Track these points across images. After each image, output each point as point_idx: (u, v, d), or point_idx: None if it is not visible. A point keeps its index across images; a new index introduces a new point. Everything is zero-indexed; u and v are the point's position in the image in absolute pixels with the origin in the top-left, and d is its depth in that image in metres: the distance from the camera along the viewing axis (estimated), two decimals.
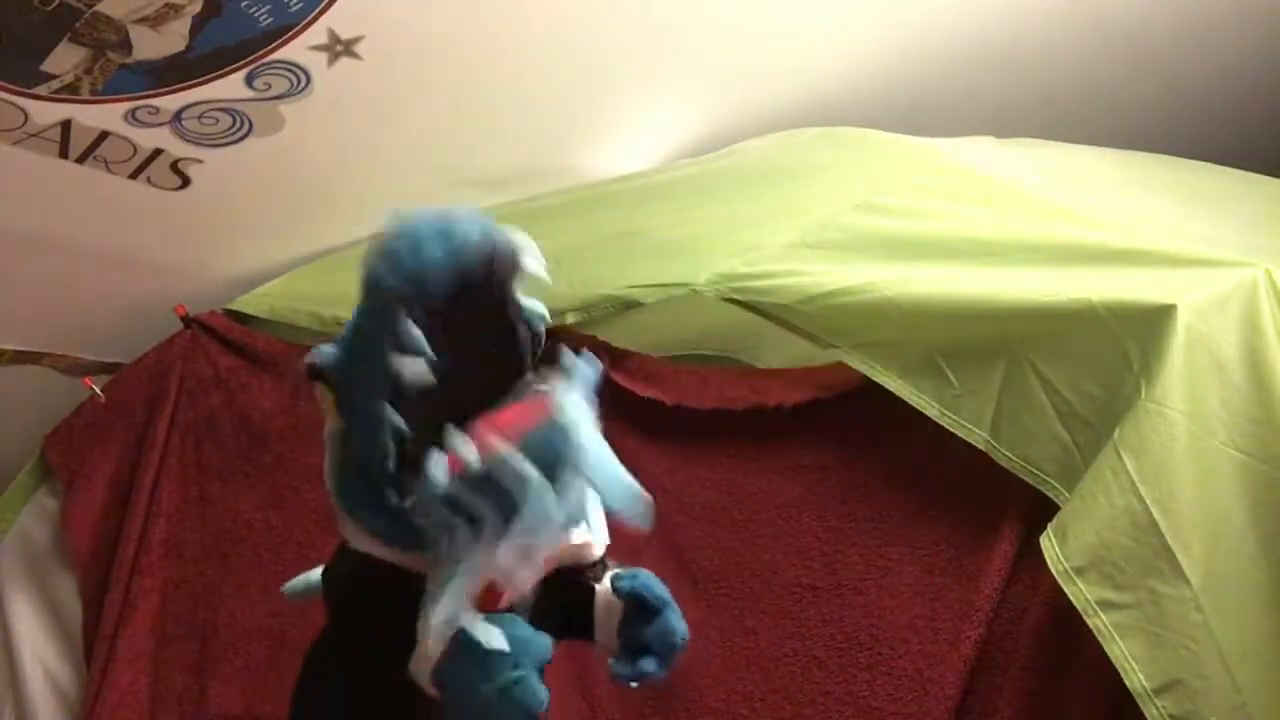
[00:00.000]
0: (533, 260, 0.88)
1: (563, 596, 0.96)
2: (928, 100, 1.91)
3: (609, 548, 0.97)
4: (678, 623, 0.97)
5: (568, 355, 0.89)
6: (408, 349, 0.81)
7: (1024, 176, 1.40)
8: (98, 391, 1.81)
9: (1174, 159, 1.70)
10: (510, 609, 0.90)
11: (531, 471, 0.78)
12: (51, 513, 1.82)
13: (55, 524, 1.80)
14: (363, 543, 0.92)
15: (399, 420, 0.83)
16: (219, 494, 1.70)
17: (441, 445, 0.82)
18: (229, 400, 1.72)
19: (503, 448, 0.79)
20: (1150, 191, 1.51)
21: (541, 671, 0.84)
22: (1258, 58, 2.10)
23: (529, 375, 0.93)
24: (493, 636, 0.82)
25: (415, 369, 0.82)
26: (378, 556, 0.92)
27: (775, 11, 1.63)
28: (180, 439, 1.73)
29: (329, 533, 1.60)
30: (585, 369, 0.88)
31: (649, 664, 0.96)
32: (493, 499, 0.79)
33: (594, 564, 0.96)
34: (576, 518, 0.85)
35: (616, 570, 0.99)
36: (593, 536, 0.93)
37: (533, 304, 0.90)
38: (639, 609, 0.96)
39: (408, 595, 0.87)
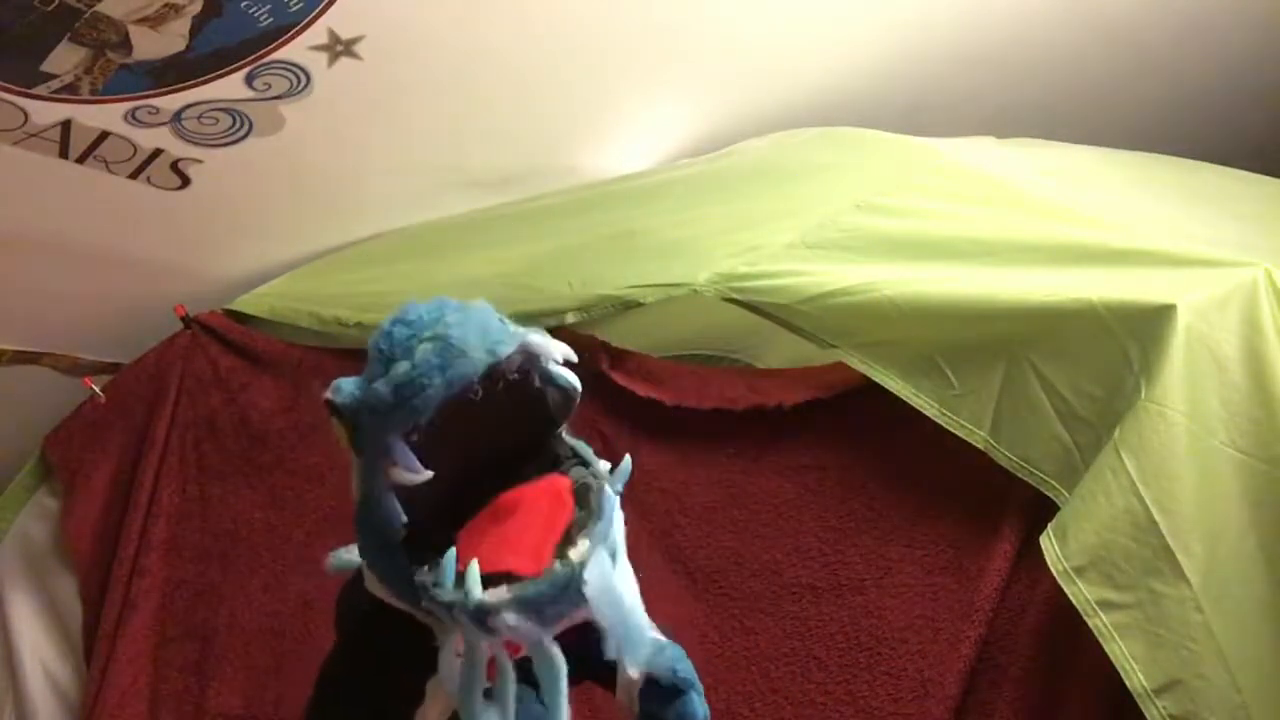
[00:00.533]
0: (549, 353, 0.86)
1: (591, 644, 0.95)
2: (928, 100, 1.91)
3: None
4: (700, 706, 0.96)
5: (600, 473, 0.89)
6: (400, 465, 0.82)
7: (1024, 176, 1.40)
8: (98, 391, 1.81)
9: (1174, 159, 1.70)
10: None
11: (542, 633, 0.80)
12: (51, 513, 1.82)
13: (55, 524, 1.80)
14: (376, 589, 0.92)
15: (398, 515, 0.83)
16: (219, 494, 1.70)
17: (467, 515, 0.84)
18: (229, 400, 1.72)
19: (506, 605, 0.79)
20: (1150, 191, 1.51)
21: None
22: (1258, 58, 2.10)
23: (560, 434, 0.92)
24: None
25: (410, 479, 0.82)
26: (388, 601, 0.91)
27: (775, 11, 1.63)
28: (180, 439, 1.73)
29: (329, 533, 1.61)
30: (613, 500, 0.86)
31: None
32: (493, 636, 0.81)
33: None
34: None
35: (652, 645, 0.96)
36: (628, 659, 0.90)
37: (563, 373, 0.88)
38: (664, 687, 0.95)
39: (416, 644, 0.87)
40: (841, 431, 1.29)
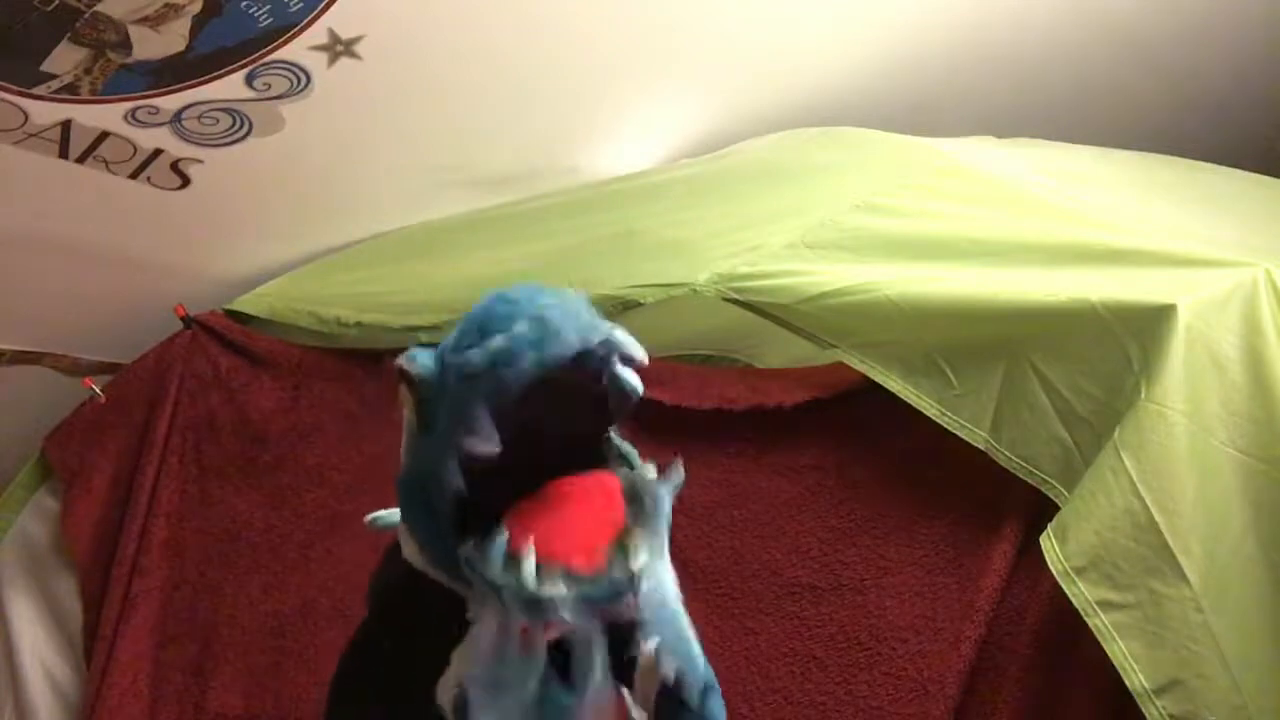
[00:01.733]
0: (632, 350, 0.88)
1: (613, 640, 0.95)
2: (928, 100, 1.91)
3: None
4: (719, 712, 0.96)
5: (650, 477, 0.90)
6: (477, 434, 0.82)
7: (1024, 176, 1.40)
8: (98, 391, 1.81)
9: (1174, 159, 1.70)
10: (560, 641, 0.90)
11: (593, 631, 0.82)
12: (51, 513, 1.82)
13: (55, 524, 1.80)
14: (415, 557, 0.93)
15: (460, 483, 0.84)
16: (219, 494, 1.70)
17: (511, 500, 0.85)
18: (229, 400, 1.72)
19: (562, 591, 0.80)
20: (1150, 191, 1.51)
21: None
22: (1258, 58, 2.10)
23: (610, 434, 0.93)
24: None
25: (483, 449, 0.82)
26: (425, 572, 0.92)
27: (775, 11, 1.63)
28: (180, 439, 1.73)
29: (329, 533, 1.61)
30: (666, 501, 0.88)
31: None
32: (540, 619, 0.82)
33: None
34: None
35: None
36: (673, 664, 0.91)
37: (629, 377, 0.89)
38: (680, 700, 0.95)
39: (450, 615, 0.88)
40: (841, 431, 1.29)
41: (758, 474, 1.34)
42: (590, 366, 0.86)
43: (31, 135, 1.41)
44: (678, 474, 0.90)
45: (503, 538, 0.82)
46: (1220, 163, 1.72)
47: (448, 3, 1.41)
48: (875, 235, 1.29)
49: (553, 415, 0.87)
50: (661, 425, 1.40)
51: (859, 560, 1.26)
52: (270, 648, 1.59)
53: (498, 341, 0.81)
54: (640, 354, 0.88)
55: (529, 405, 0.82)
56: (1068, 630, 1.04)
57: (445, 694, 0.88)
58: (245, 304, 1.77)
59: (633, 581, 0.82)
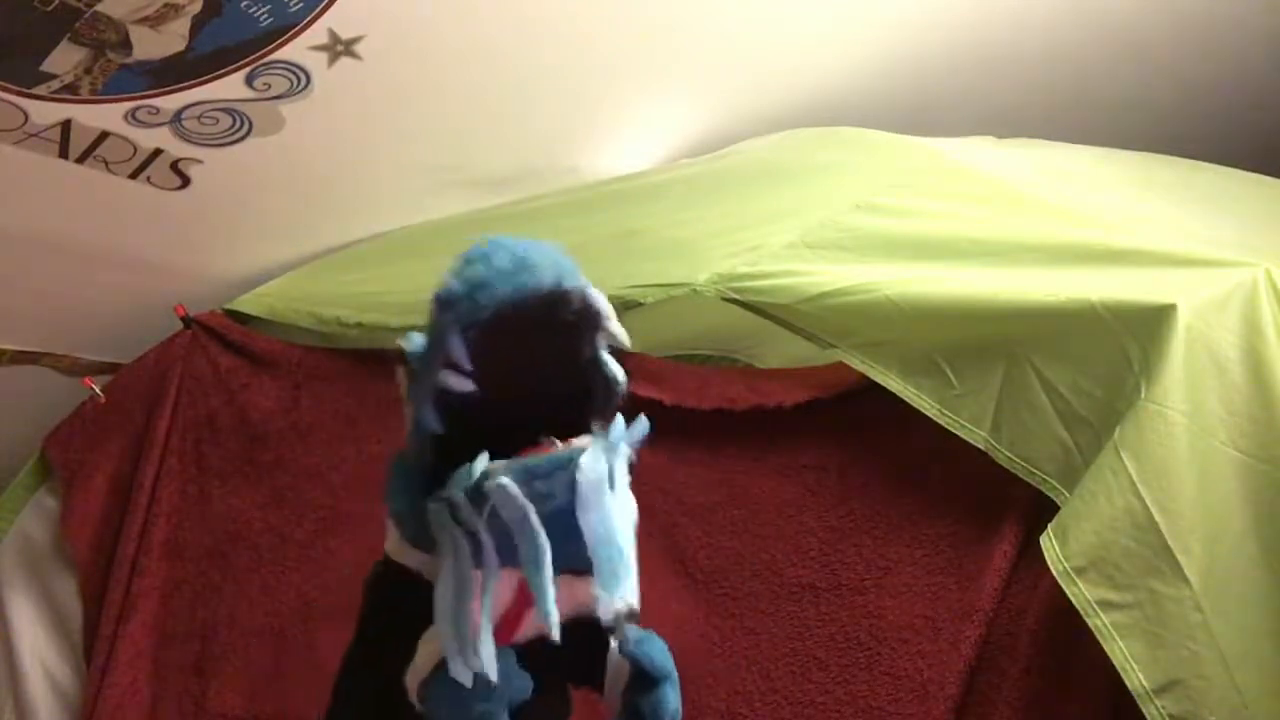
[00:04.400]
0: (614, 325, 0.90)
1: (584, 647, 0.95)
2: (928, 100, 1.91)
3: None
4: (673, 698, 0.96)
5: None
6: (452, 364, 0.84)
7: (1024, 176, 1.40)
8: (98, 391, 1.81)
9: (1174, 159, 1.70)
10: (526, 644, 0.90)
11: (527, 505, 0.81)
12: (51, 513, 1.82)
13: (55, 524, 1.80)
14: (393, 545, 0.94)
15: (435, 423, 0.85)
16: (219, 494, 1.70)
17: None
18: (229, 400, 1.72)
19: (502, 474, 0.82)
20: (1150, 191, 1.51)
21: (514, 711, 0.86)
22: (1258, 58, 2.10)
23: (596, 427, 0.93)
24: (462, 670, 0.84)
25: (458, 383, 0.84)
26: (401, 562, 0.93)
27: (775, 11, 1.63)
28: (180, 439, 1.73)
29: (329, 533, 1.61)
30: (634, 430, 0.90)
31: None
32: (490, 522, 0.82)
33: (617, 620, 0.93)
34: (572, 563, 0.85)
35: (631, 631, 0.97)
36: (603, 592, 0.89)
37: (614, 366, 0.91)
38: (641, 676, 0.96)
39: (420, 604, 0.88)
40: (841, 431, 1.29)
41: (758, 474, 1.34)
42: (565, 314, 0.87)
43: (31, 135, 1.41)
44: (641, 422, 0.92)
45: (467, 467, 0.84)
46: (1220, 163, 1.72)
47: (448, 3, 1.41)
48: (875, 235, 1.29)
49: (528, 361, 0.88)
50: (661, 425, 1.39)
51: (859, 560, 1.26)
52: (270, 648, 1.59)
53: (475, 269, 0.83)
54: (611, 317, 0.90)
55: (503, 340, 0.84)
56: (1068, 630, 1.04)
57: (411, 680, 0.89)
58: (245, 304, 1.77)
59: (571, 460, 0.82)
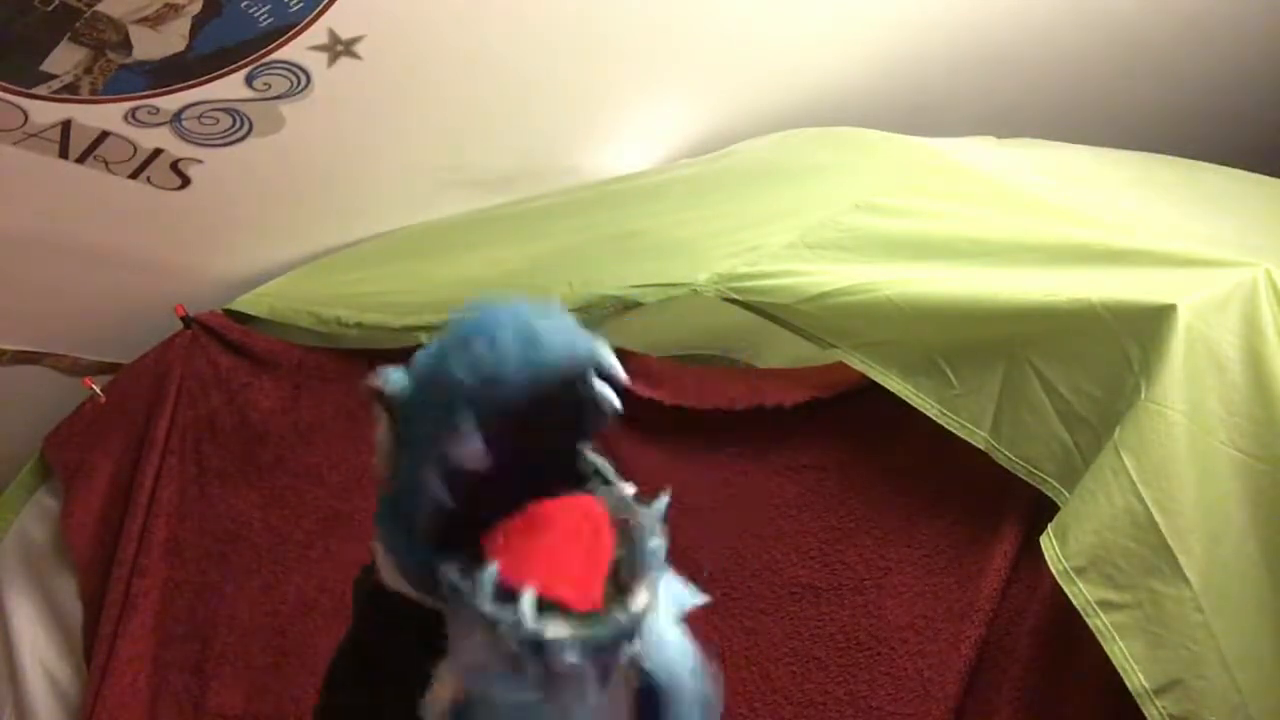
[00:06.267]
0: (615, 368, 0.87)
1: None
2: (928, 100, 1.91)
3: None
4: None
5: (634, 505, 0.89)
6: (465, 444, 0.81)
7: (1024, 176, 1.40)
8: (98, 391, 1.81)
9: (1174, 159, 1.70)
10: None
11: (588, 670, 0.79)
12: (51, 513, 1.82)
13: (55, 524, 1.80)
14: (390, 576, 0.92)
15: (445, 497, 0.83)
16: (219, 494, 1.70)
17: (485, 517, 0.83)
18: (229, 400, 1.72)
19: (565, 637, 0.78)
20: (1150, 191, 1.51)
21: None
22: (1258, 58, 2.10)
23: (584, 450, 0.92)
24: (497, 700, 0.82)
25: (471, 459, 0.82)
26: (398, 589, 0.92)
27: (775, 11, 1.63)
28: (180, 439, 1.73)
29: (329, 533, 1.61)
30: (660, 537, 0.87)
31: None
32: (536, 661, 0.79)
33: None
34: None
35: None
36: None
37: (606, 392, 0.88)
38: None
39: (427, 630, 0.86)
40: (841, 431, 1.29)
41: (758, 474, 1.34)
42: (578, 382, 0.85)
43: (31, 135, 1.41)
44: (662, 501, 0.89)
45: (493, 568, 0.80)
46: (1220, 163, 1.72)
47: (448, 3, 1.41)
48: (875, 235, 1.29)
49: (538, 429, 0.86)
50: (661, 425, 1.40)
51: (859, 560, 1.26)
52: (270, 648, 1.59)
53: (486, 355, 0.81)
54: (621, 372, 0.87)
55: (517, 419, 0.82)
56: (1068, 630, 1.04)
57: (434, 710, 0.88)
58: (245, 304, 1.77)
59: (636, 625, 0.80)
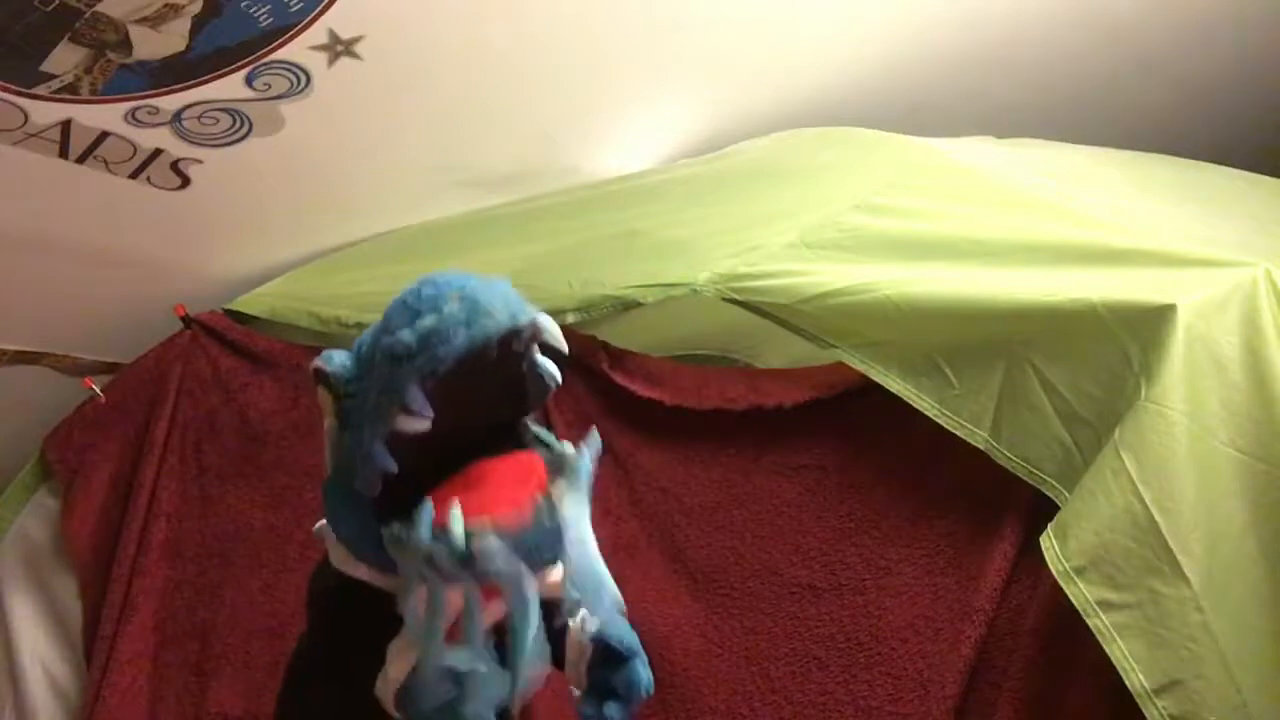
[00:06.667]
0: (555, 337, 0.90)
1: (547, 626, 0.96)
2: (928, 100, 1.91)
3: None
4: (644, 672, 0.99)
5: (568, 448, 0.91)
6: (411, 412, 0.84)
7: (1024, 176, 1.40)
8: (98, 391, 1.81)
9: (1174, 159, 1.70)
10: (490, 626, 0.91)
11: (523, 574, 0.82)
12: (51, 513, 1.82)
13: (55, 524, 1.80)
14: (339, 559, 0.94)
15: (390, 462, 0.85)
16: (219, 494, 1.70)
17: (432, 487, 0.86)
18: (229, 400, 1.72)
19: (493, 543, 0.81)
20: (1150, 191, 1.51)
21: (501, 710, 0.87)
22: (1258, 57, 2.10)
23: (531, 420, 0.94)
24: (442, 676, 0.84)
25: (415, 425, 0.84)
26: (350, 574, 0.93)
27: (775, 11, 1.63)
28: (180, 439, 1.73)
29: None
30: (587, 462, 0.90)
31: (614, 710, 0.97)
32: (473, 577, 0.83)
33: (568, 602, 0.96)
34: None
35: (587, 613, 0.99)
36: (592, 614, 0.95)
37: (547, 365, 0.91)
38: (611, 655, 0.98)
39: (380, 614, 0.88)
40: (841, 431, 1.29)
41: (758, 474, 1.34)
42: (518, 346, 0.87)
43: (31, 135, 1.41)
44: (594, 441, 0.91)
45: (429, 505, 0.83)
46: (1220, 163, 1.72)
47: (448, 3, 1.41)
48: (875, 235, 1.29)
49: (479, 393, 0.88)
50: (661, 425, 1.40)
51: (859, 560, 1.26)
52: (270, 648, 1.59)
53: (429, 320, 0.83)
54: (562, 343, 0.90)
55: (459, 382, 0.84)
56: (1068, 630, 1.04)
57: (386, 690, 0.89)
58: (245, 304, 1.77)
59: (559, 530, 0.83)
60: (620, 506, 1.41)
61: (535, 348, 0.89)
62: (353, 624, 0.94)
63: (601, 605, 0.91)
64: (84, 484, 1.77)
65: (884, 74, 1.84)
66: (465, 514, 0.83)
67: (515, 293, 0.87)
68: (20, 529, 1.83)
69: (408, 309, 0.85)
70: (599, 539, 1.47)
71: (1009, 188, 1.35)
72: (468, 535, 0.81)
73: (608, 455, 1.45)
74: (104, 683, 1.62)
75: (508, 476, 0.89)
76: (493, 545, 0.81)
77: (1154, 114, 2.15)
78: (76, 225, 1.63)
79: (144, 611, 1.66)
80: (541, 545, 0.83)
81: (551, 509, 0.84)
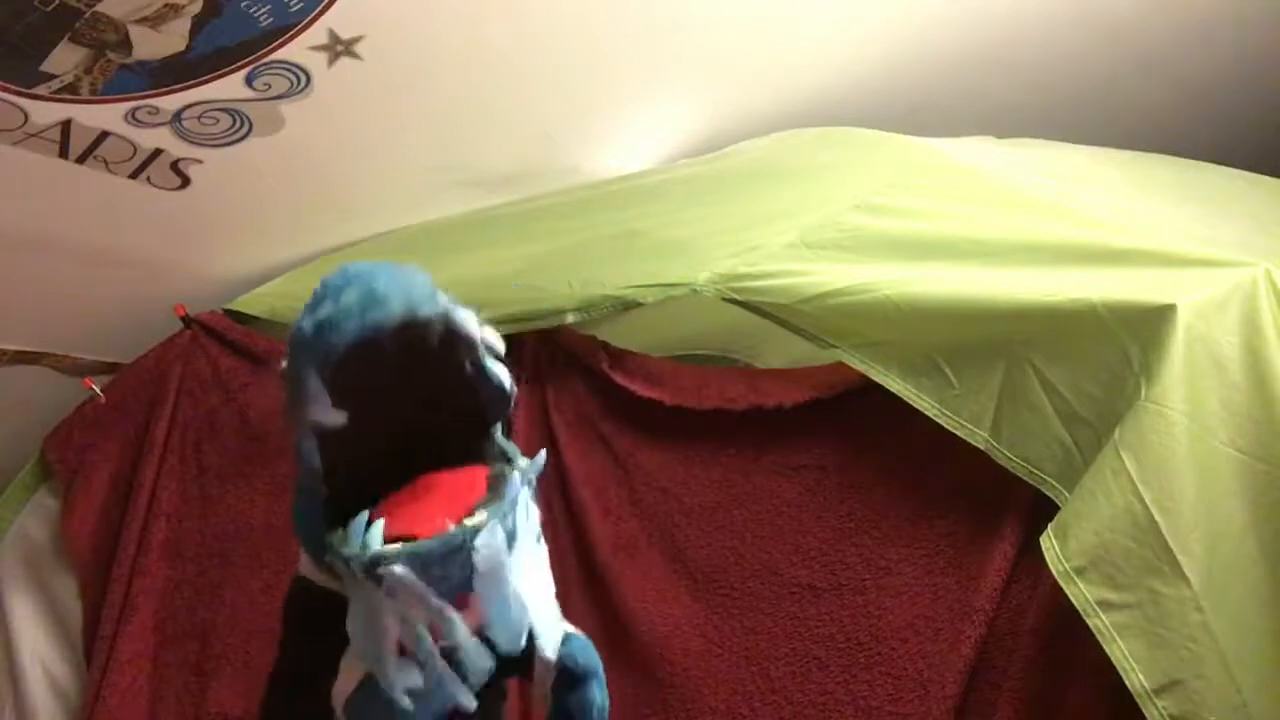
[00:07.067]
0: (490, 338, 0.88)
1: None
2: (928, 100, 1.91)
3: None
4: (598, 695, 0.97)
5: (518, 464, 0.90)
6: (312, 401, 0.83)
7: (1024, 176, 1.40)
8: (98, 391, 1.81)
9: (1174, 159, 1.70)
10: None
11: (425, 591, 0.81)
12: (51, 513, 1.82)
13: (55, 524, 1.80)
14: (303, 563, 0.95)
15: (314, 457, 0.85)
16: (219, 494, 1.70)
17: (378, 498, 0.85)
18: (229, 400, 1.72)
19: (395, 560, 0.80)
20: (1150, 191, 1.51)
21: (448, 716, 0.86)
22: (1258, 58, 2.10)
23: (496, 432, 0.93)
24: (395, 686, 0.83)
25: (327, 417, 0.83)
26: (312, 579, 0.93)
27: (775, 11, 1.63)
28: (180, 439, 1.73)
29: None
30: (516, 484, 0.88)
31: None
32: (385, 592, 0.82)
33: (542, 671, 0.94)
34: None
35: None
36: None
37: (496, 368, 0.89)
38: (567, 675, 0.96)
39: (335, 621, 0.88)
40: (841, 431, 1.29)
41: (758, 474, 1.34)
42: (430, 340, 0.85)
43: (31, 135, 1.41)
44: (538, 460, 0.90)
45: (362, 516, 0.83)
46: (1220, 163, 1.72)
47: (448, 3, 1.41)
48: (875, 235, 1.29)
49: (406, 392, 0.87)
50: (661, 425, 1.40)
51: (859, 560, 1.26)
52: (270, 648, 1.58)
53: (325, 309, 0.82)
54: (482, 336, 0.88)
55: (357, 372, 0.82)
56: (1068, 630, 1.04)
57: (338, 700, 0.89)
58: (245, 304, 1.77)
59: (464, 540, 0.81)
60: (620, 506, 1.41)
61: (482, 351, 0.88)
62: (315, 632, 0.94)
63: (546, 638, 0.89)
64: (84, 484, 1.77)
65: (884, 74, 1.84)
66: (396, 526, 0.82)
67: (427, 286, 0.85)
68: (20, 529, 1.83)
69: (314, 297, 0.84)
70: (599, 539, 1.47)
71: (1009, 188, 1.35)
72: (373, 551, 0.80)
73: (608, 455, 1.45)
74: (104, 683, 1.62)
75: (449, 491, 0.88)
76: (394, 559, 0.80)
77: (1154, 114, 2.14)
78: (76, 225, 1.63)
79: (144, 611, 1.66)
80: (446, 564, 0.81)
81: (460, 531, 0.82)
